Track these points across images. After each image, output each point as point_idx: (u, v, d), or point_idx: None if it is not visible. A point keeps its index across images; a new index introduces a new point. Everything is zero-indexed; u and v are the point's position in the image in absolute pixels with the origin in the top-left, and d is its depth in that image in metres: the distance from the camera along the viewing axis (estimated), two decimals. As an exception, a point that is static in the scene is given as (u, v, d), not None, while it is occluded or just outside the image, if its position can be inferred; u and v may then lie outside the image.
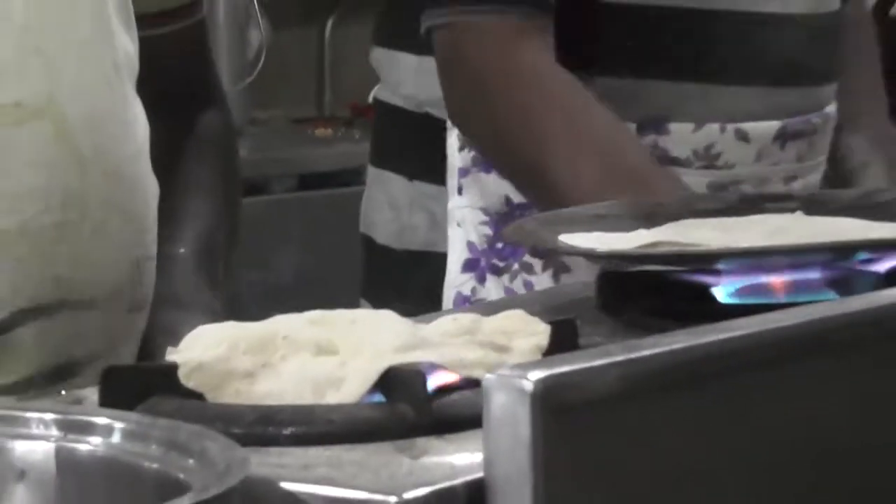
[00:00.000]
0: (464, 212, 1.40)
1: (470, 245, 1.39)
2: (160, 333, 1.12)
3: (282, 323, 0.78)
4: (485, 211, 1.39)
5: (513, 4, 1.32)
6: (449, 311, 1.01)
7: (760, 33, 1.36)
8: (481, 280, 1.37)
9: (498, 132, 1.35)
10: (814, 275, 0.96)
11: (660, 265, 1.01)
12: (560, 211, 1.20)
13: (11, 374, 1.02)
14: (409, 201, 1.44)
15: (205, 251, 1.19)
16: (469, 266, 1.38)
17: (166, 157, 1.21)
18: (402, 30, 1.45)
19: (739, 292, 0.95)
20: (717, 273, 0.96)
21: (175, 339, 0.81)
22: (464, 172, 1.39)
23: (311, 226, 1.96)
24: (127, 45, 1.16)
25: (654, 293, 1.00)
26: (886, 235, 0.99)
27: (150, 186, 1.17)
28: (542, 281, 1.36)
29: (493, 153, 1.37)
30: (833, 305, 0.85)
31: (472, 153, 1.39)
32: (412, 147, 1.47)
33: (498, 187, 1.38)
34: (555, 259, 1.35)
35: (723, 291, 0.95)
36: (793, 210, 1.09)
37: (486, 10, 1.31)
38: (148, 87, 1.19)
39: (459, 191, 1.39)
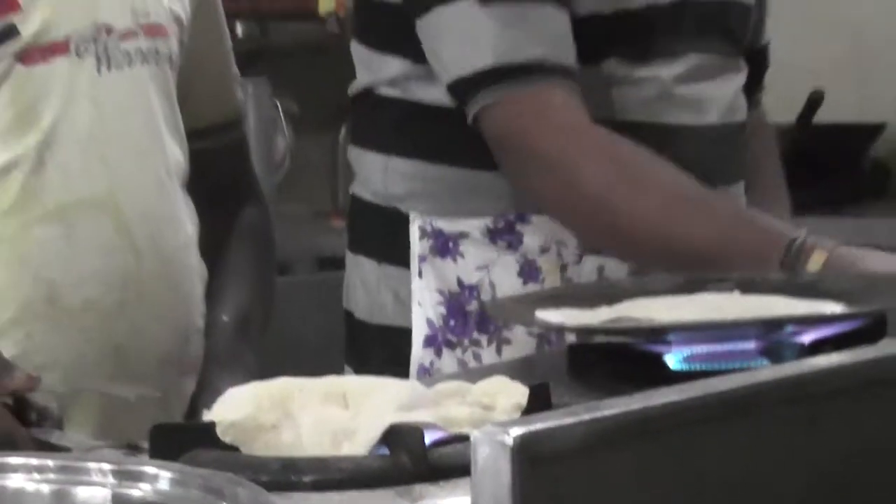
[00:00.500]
0: (423, 293, 1.36)
1: (429, 322, 1.36)
2: (205, 390, 1.13)
3: (298, 380, 0.79)
4: (440, 292, 1.35)
5: (559, 77, 1.26)
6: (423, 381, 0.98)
7: (676, 141, 1.31)
8: (438, 354, 1.34)
9: (578, 199, 1.27)
10: (749, 345, 0.97)
11: (620, 337, 1.01)
12: (535, 291, 1.20)
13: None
14: (378, 282, 1.40)
15: (243, 320, 1.20)
16: (428, 342, 1.35)
17: (214, 244, 1.23)
18: (371, 131, 1.41)
19: (687, 360, 0.96)
20: (668, 343, 0.96)
21: (216, 396, 0.82)
22: (423, 258, 1.35)
23: (326, 301, 1.95)
24: (177, 153, 1.19)
25: (616, 361, 1.00)
26: (809, 312, 0.99)
27: (198, 270, 1.18)
28: (489, 353, 1.33)
29: (573, 217, 1.29)
30: (765, 371, 0.82)
31: (430, 242, 1.35)
32: (380, 235, 1.41)
33: (451, 271, 1.35)
34: (499, 335, 1.32)
35: (673, 359, 0.95)
36: (730, 290, 1.08)
37: (539, 83, 1.26)
38: (199, 187, 1.22)
39: (419, 274, 1.35)
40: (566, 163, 1.24)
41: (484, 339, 1.33)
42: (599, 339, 1.03)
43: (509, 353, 1.30)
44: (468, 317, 1.34)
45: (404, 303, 1.36)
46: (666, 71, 1.31)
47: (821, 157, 2.25)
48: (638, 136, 1.26)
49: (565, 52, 1.24)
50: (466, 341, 1.33)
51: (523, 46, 1.24)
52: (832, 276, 1.08)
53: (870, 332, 0.96)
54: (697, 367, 0.95)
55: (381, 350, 1.33)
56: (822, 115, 2.34)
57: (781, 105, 1.99)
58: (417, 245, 1.34)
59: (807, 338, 0.96)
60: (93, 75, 1.12)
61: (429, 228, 1.34)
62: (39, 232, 1.10)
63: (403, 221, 1.35)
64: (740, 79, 1.38)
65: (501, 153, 1.27)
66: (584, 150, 1.25)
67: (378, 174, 1.39)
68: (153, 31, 1.17)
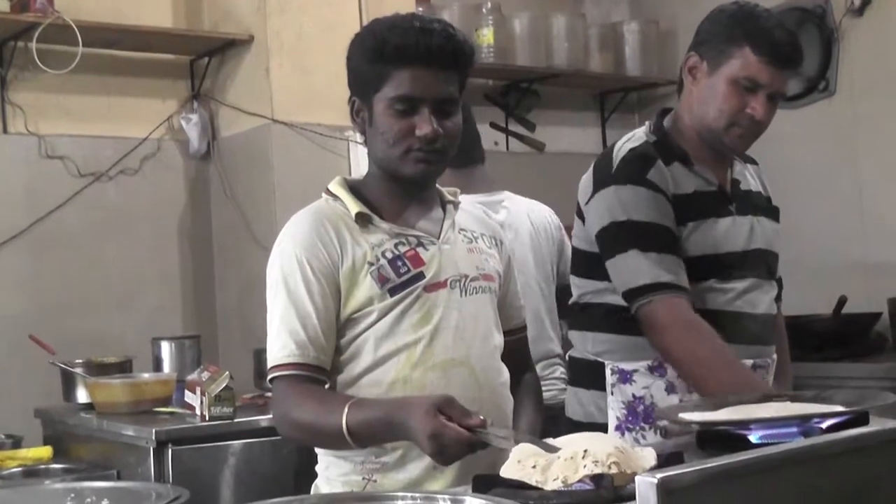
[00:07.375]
0: (613, 403, 1.76)
1: (616, 419, 1.75)
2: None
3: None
4: (622, 402, 1.75)
5: (680, 291, 1.67)
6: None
7: (742, 321, 1.74)
8: (622, 435, 1.70)
9: (688, 358, 1.66)
10: (793, 429, 1.17)
11: (724, 426, 1.23)
12: (678, 404, 1.53)
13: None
14: (588, 400, 1.79)
15: (529, 432, 1.47)
16: (616, 429, 1.73)
17: (513, 390, 1.54)
18: (583, 319, 1.83)
19: (761, 438, 1.16)
20: (751, 429, 1.17)
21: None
22: (612, 385, 1.74)
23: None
24: (499, 339, 1.52)
25: (723, 440, 1.19)
26: (824, 411, 1.19)
27: (509, 398, 1.50)
28: (650, 435, 1.70)
29: (683, 367, 1.68)
30: (802, 442, 1.08)
31: (616, 376, 1.73)
32: (588, 375, 1.79)
33: (628, 391, 1.74)
34: (655, 425, 1.68)
35: (754, 437, 1.17)
36: (784, 401, 1.33)
37: (668, 294, 1.67)
38: (505, 359, 1.52)
39: (611, 393, 1.76)
40: (670, 336, 1.66)
41: (647, 426, 1.72)
42: (713, 428, 1.25)
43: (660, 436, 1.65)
44: (638, 415, 1.73)
45: (602, 410, 1.76)
46: (739, 285, 1.75)
47: (845, 332, 3.16)
48: (722, 319, 1.70)
49: (682, 279, 1.68)
50: (637, 428, 1.72)
51: (662, 274, 1.66)
52: (836, 393, 1.33)
53: (858, 420, 1.17)
54: (768, 441, 1.15)
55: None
56: (845, 310, 3.25)
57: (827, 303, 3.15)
58: (609, 378, 1.77)
59: (824, 424, 1.18)
60: (458, 298, 1.45)
61: (616, 368, 1.78)
62: (431, 376, 1.41)
63: (601, 367, 1.78)
64: (773, 292, 1.81)
65: (647, 329, 1.70)
66: (680, 331, 1.64)
67: (588, 343, 1.81)
68: (487, 277, 1.50)
